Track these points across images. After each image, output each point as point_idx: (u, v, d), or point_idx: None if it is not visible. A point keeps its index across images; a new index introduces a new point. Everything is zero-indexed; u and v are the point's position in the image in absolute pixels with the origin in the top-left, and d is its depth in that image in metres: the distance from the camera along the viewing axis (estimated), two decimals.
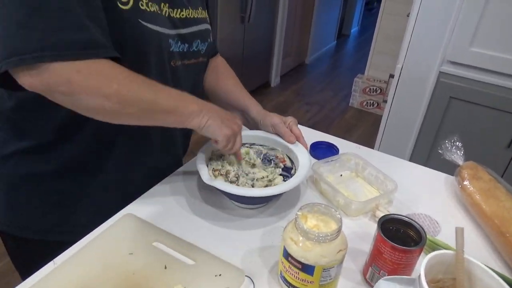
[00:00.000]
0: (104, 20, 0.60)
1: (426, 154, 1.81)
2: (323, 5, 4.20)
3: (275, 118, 0.86)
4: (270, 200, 0.80)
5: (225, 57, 1.02)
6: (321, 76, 4.10)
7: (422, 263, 0.46)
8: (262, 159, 0.84)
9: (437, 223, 0.79)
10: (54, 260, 0.64)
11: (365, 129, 3.08)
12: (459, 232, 0.49)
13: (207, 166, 0.78)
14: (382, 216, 0.63)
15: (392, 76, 1.88)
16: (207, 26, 0.84)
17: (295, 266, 0.57)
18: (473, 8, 1.50)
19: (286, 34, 3.64)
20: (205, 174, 0.74)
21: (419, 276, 0.45)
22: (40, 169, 0.72)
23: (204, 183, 0.72)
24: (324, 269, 0.56)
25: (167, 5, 0.72)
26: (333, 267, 0.56)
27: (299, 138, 0.85)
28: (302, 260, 0.56)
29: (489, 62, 1.54)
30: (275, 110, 0.92)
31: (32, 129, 0.71)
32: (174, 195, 0.81)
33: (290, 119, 0.87)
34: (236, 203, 0.79)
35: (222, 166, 0.80)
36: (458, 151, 0.91)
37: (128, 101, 0.61)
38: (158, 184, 0.83)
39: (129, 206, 0.76)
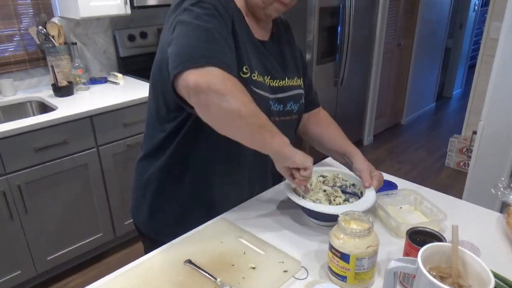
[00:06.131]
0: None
1: None
2: (419, 68, 4.32)
3: (364, 165, 1.04)
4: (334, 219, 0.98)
5: None
6: (416, 136, 4.10)
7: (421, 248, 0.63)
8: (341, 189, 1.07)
9: (478, 249, 0.89)
10: (171, 242, 0.94)
11: (460, 188, 2.99)
12: (455, 229, 0.64)
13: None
14: (411, 228, 0.79)
15: (475, 132, 1.93)
16: (300, 91, 1.11)
17: (336, 255, 0.77)
18: None
19: (379, 96, 3.82)
20: (295, 196, 0.95)
21: (418, 256, 0.62)
22: (171, 188, 1.05)
23: (284, 202, 0.96)
24: (357, 258, 0.74)
25: (268, 77, 1.01)
26: (365, 258, 0.75)
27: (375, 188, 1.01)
28: (341, 250, 0.75)
29: None
30: None
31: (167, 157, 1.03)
32: (258, 208, 1.07)
33: (376, 172, 1.03)
34: (312, 220, 1.00)
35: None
36: (510, 192, 1.01)
37: (255, 113, 0.81)
38: (246, 201, 1.10)
39: (224, 214, 1.04)
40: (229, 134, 0.85)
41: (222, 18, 0.87)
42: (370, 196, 0.97)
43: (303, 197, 0.99)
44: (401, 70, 4.11)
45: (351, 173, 1.08)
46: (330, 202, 1.01)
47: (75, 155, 1.98)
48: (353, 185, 1.07)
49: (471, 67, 5.73)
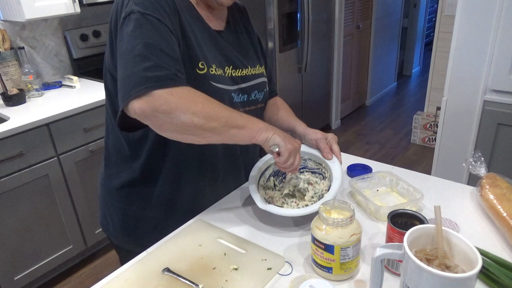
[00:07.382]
0: (182, 65, 0.83)
1: None
2: (379, 49, 4.39)
3: (318, 134, 1.03)
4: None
5: None
6: (381, 116, 4.19)
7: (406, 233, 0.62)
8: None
9: (456, 224, 0.90)
10: (147, 250, 0.88)
11: (428, 163, 3.08)
12: (437, 209, 0.63)
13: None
14: (392, 211, 0.78)
15: (439, 108, 1.97)
16: (264, 79, 1.07)
17: (319, 248, 0.74)
18: (508, 38, 1.60)
19: (343, 79, 3.86)
20: (259, 201, 0.93)
21: (404, 241, 0.61)
22: (143, 196, 1.00)
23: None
24: (342, 248, 0.72)
25: (230, 67, 0.97)
26: (349, 247, 0.73)
27: (337, 155, 1.01)
28: (324, 241, 0.73)
29: None
30: None
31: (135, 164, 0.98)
32: (234, 206, 1.03)
33: (331, 136, 1.03)
34: None
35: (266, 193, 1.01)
36: (480, 165, 1.02)
37: (211, 116, 0.78)
38: (221, 199, 1.06)
39: (200, 214, 1.00)
40: (197, 142, 0.83)
41: (166, 18, 0.82)
42: (336, 175, 0.96)
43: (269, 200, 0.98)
44: (362, 52, 4.16)
45: (307, 148, 1.06)
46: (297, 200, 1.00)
47: (33, 166, 1.85)
48: (310, 160, 1.05)
49: (427, 45, 5.91)
